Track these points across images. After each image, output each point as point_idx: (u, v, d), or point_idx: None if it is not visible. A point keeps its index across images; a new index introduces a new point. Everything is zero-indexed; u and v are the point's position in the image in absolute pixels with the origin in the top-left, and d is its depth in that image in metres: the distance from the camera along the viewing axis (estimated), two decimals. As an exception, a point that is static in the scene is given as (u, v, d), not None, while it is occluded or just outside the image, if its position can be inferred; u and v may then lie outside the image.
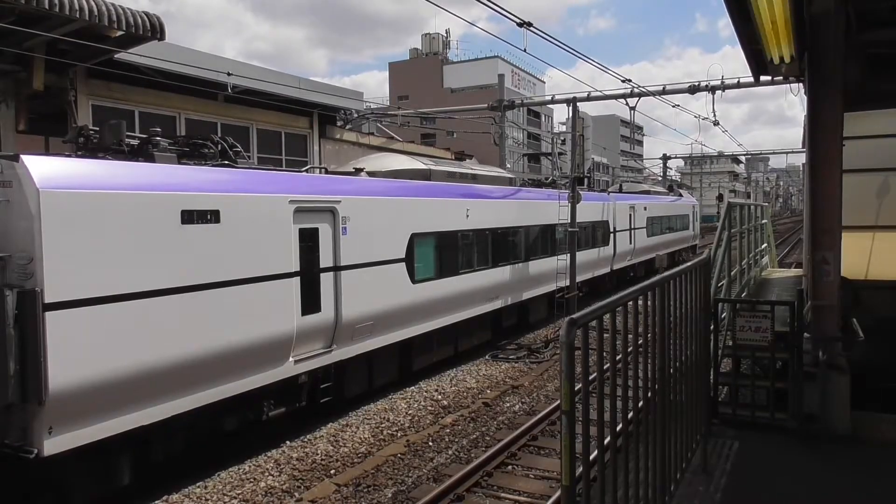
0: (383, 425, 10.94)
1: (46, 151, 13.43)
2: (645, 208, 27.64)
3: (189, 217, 7.99)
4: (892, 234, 10.03)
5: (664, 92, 21.15)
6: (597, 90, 21.14)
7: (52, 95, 12.47)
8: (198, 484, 8.63)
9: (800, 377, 6.37)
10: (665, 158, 48.56)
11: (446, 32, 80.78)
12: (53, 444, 6.72)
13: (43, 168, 6.74)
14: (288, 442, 10.07)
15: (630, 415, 3.58)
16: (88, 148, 8.21)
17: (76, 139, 8.32)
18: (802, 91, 8.35)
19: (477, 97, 48.71)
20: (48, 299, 6.55)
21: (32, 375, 6.50)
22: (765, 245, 14.64)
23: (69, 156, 7.81)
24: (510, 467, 9.22)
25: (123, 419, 7.41)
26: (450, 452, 9.75)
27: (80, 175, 7.10)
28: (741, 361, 7.13)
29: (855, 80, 7.27)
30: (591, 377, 3.06)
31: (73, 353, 6.77)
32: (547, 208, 18.31)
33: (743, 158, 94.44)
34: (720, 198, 50.08)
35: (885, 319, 9.61)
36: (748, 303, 7.22)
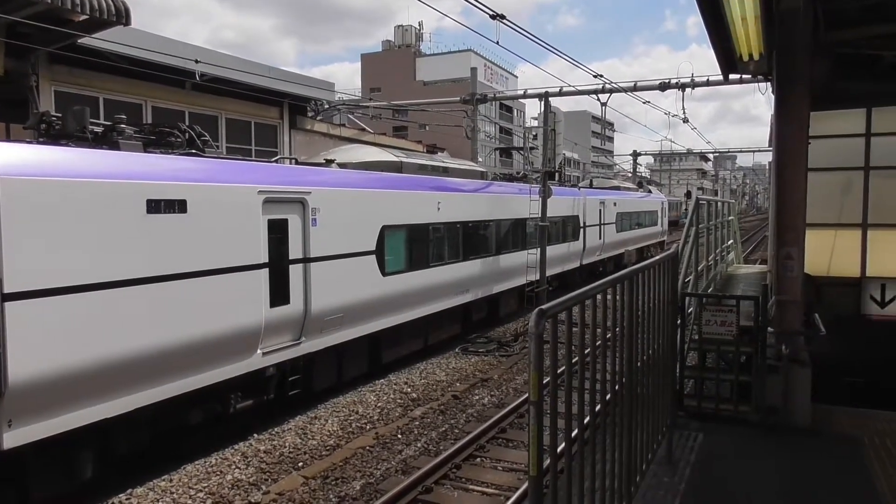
0: (352, 418, 10.90)
1: (7, 138, 13.09)
2: (615, 204, 27.90)
3: (155, 206, 7.84)
4: (853, 231, 10.27)
5: (635, 88, 21.31)
6: (569, 85, 21.27)
7: (12, 81, 12.12)
8: (163, 477, 8.51)
9: (763, 370, 6.49)
10: (635, 155, 49.06)
11: (419, 25, 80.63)
12: (13, 438, 6.57)
13: (2, 155, 6.55)
14: (255, 435, 9.98)
15: (598, 407, 3.61)
16: (50, 135, 7.99)
17: (38, 126, 8.10)
18: (770, 90, 8.50)
19: (450, 90, 48.57)
20: (7, 289, 6.38)
21: (-10, 367, 6.34)
22: (731, 241, 14.89)
23: (30, 143, 7.61)
24: (479, 459, 9.26)
25: (86, 412, 7.27)
26: (419, 445, 9.76)
27: (41, 162, 6.91)
28: (707, 355, 7.24)
29: (822, 79, 7.41)
30: (559, 369, 3.07)
31: (34, 344, 6.61)
32: (518, 202, 18.38)
33: (711, 156, 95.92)
34: (688, 194, 50.82)
35: (845, 315, 9.86)
36: (714, 297, 7.34)
